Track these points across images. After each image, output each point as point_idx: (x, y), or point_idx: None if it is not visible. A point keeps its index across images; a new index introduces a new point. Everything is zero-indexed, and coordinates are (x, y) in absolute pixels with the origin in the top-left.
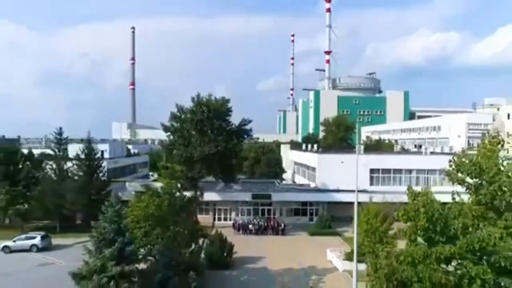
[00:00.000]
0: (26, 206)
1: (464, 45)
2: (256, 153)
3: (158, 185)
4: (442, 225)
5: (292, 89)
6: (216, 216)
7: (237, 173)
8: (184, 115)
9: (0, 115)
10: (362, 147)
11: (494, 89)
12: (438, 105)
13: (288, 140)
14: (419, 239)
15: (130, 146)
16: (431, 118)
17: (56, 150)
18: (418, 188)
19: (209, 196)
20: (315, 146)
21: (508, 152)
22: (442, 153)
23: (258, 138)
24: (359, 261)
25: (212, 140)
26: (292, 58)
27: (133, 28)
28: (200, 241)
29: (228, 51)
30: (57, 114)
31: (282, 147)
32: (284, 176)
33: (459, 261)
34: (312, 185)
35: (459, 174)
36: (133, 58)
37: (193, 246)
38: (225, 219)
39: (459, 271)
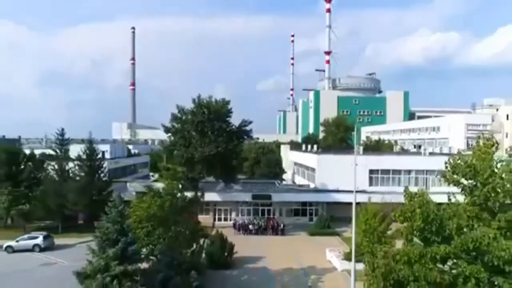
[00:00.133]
0: (28, 206)
1: (464, 45)
2: (256, 154)
3: (159, 185)
4: (437, 226)
5: (292, 89)
6: (217, 216)
7: (237, 174)
8: (185, 116)
9: (0, 115)
10: (361, 147)
11: (494, 89)
12: (438, 105)
13: (288, 140)
14: (415, 239)
15: (130, 146)
16: (431, 118)
17: (58, 151)
18: (421, 188)
19: (209, 196)
20: (315, 146)
21: (508, 151)
22: (441, 154)
23: (258, 138)
24: (357, 260)
25: (212, 141)
26: (292, 58)
27: (133, 28)
28: (201, 241)
29: (228, 51)
30: (57, 114)
31: (282, 147)
32: (284, 176)
33: (454, 261)
34: (312, 185)
35: (455, 176)
36: (133, 58)
37: (194, 246)
38: (226, 219)
39: (454, 271)
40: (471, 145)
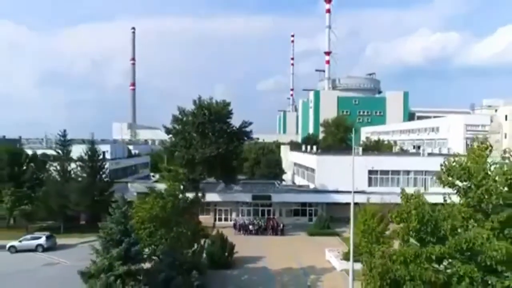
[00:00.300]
0: (31, 207)
1: (464, 45)
2: (256, 154)
3: (160, 186)
4: (432, 227)
5: (292, 89)
6: (217, 217)
7: (238, 174)
8: (186, 118)
9: (1, 115)
10: (360, 148)
11: (494, 89)
12: (438, 105)
13: (288, 140)
14: (412, 240)
15: (131, 147)
16: (430, 119)
17: (60, 152)
18: (417, 189)
19: (210, 197)
20: (315, 147)
21: (502, 154)
22: (440, 154)
23: (258, 139)
24: (356, 260)
25: (213, 142)
26: (292, 59)
27: (133, 28)
28: (202, 241)
29: (228, 51)
30: (57, 114)
31: (282, 148)
32: (284, 177)
33: (449, 261)
34: (312, 186)
35: (449, 178)
36: (133, 59)
37: (195, 246)
38: (226, 219)
39: (449, 270)
40: (470, 145)
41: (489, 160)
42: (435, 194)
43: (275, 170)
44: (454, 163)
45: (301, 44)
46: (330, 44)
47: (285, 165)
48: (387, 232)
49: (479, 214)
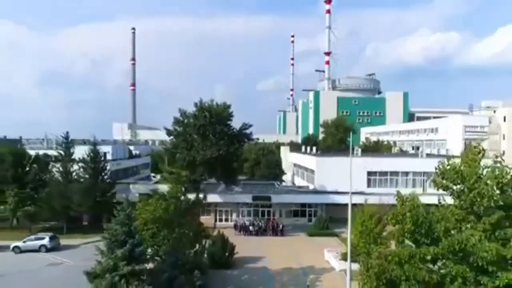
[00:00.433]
0: (34, 208)
1: (464, 45)
2: (257, 155)
3: (161, 187)
4: (426, 228)
5: (292, 90)
6: (218, 217)
7: (238, 176)
8: (187, 120)
9: (1, 115)
10: (359, 149)
11: (494, 89)
12: (438, 106)
13: (288, 140)
14: (407, 241)
15: (131, 147)
16: (429, 120)
17: (63, 153)
18: (412, 192)
19: (210, 197)
20: (314, 148)
21: (493, 158)
22: (438, 156)
23: (258, 139)
24: (354, 261)
25: (214, 144)
26: (292, 59)
27: (134, 29)
28: (203, 241)
29: (228, 51)
30: (57, 114)
31: (282, 149)
32: (283, 177)
33: (443, 261)
34: (311, 187)
35: (443, 181)
36: (133, 59)
37: (197, 247)
38: (226, 220)
39: (442, 270)
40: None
41: (486, 161)
42: (433, 195)
43: (275, 171)
44: (448, 167)
45: (301, 44)
46: (330, 45)
47: (285, 165)
48: (385, 233)
49: (472, 216)
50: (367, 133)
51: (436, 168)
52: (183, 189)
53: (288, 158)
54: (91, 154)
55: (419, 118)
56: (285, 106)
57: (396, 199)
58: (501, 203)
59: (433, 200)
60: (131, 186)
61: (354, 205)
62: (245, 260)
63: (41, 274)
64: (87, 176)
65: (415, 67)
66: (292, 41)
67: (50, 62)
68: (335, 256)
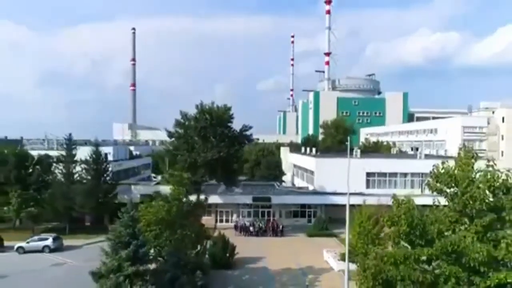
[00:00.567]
0: (37, 208)
1: (464, 45)
2: (257, 156)
3: (162, 188)
4: (421, 230)
5: (292, 90)
6: (218, 218)
7: (238, 177)
8: (188, 122)
9: (1, 116)
10: (358, 150)
11: (494, 89)
12: (438, 106)
13: (288, 141)
14: (402, 242)
15: (131, 148)
16: (428, 121)
17: (65, 155)
18: (408, 194)
19: (211, 198)
20: (314, 149)
21: (486, 162)
22: (437, 156)
23: (257, 139)
24: (352, 261)
25: (214, 146)
26: (292, 59)
27: (134, 29)
28: (204, 242)
29: (228, 51)
30: (57, 114)
31: (282, 149)
32: (283, 178)
33: (437, 262)
34: (311, 187)
35: (437, 184)
36: (133, 59)
37: (198, 248)
38: (227, 220)
39: (437, 271)
40: (467, 147)
41: (482, 162)
42: (431, 196)
43: (275, 172)
44: (442, 170)
45: (301, 44)
46: (330, 45)
47: (284, 166)
48: (382, 234)
49: (465, 218)
50: (366, 133)
51: (431, 172)
52: (185, 191)
53: (288, 159)
54: (94, 156)
55: (418, 119)
56: (285, 106)
57: (392, 202)
58: (493, 205)
59: (431, 201)
60: (132, 187)
61: (353, 206)
62: (245, 260)
63: (45, 274)
64: (89, 177)
65: (415, 67)
66: (292, 41)
67: (50, 62)
68: (334, 257)
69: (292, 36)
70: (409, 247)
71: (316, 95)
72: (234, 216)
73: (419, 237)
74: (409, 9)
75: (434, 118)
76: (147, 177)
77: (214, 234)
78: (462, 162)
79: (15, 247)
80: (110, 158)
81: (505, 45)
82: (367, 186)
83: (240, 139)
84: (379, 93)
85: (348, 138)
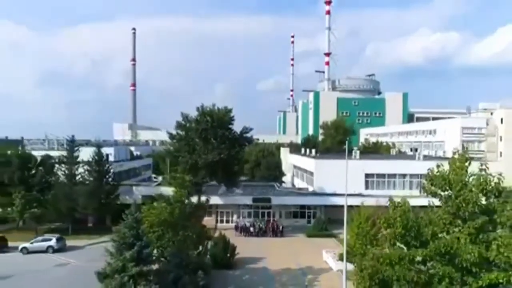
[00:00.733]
0: (40, 209)
1: (464, 45)
2: (257, 157)
3: (163, 189)
4: (415, 232)
5: (292, 90)
6: (219, 219)
7: (239, 178)
8: (189, 124)
9: (1, 116)
10: (358, 152)
11: (494, 89)
12: (438, 106)
13: (288, 141)
14: (399, 243)
15: (132, 148)
16: (427, 121)
17: (67, 156)
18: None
19: (212, 199)
20: (314, 150)
21: (479, 166)
22: (435, 157)
23: (258, 139)
24: (350, 261)
25: (215, 148)
26: (292, 59)
27: (134, 29)
28: (205, 242)
29: (228, 51)
30: (57, 114)
31: (282, 150)
32: (283, 179)
33: (431, 263)
34: (311, 188)
35: (432, 188)
36: (133, 59)
37: (200, 248)
38: (227, 221)
39: (431, 271)
40: (467, 148)
41: (476, 164)
42: (429, 197)
43: (275, 173)
44: (437, 173)
45: (301, 44)
46: (330, 45)
47: (284, 167)
48: (380, 235)
49: (458, 220)
50: (366, 134)
51: (426, 175)
52: (187, 193)
53: (288, 159)
54: (96, 157)
55: (418, 119)
56: (285, 107)
57: (389, 204)
58: (485, 208)
59: (433, 200)
60: (134, 188)
61: (351, 207)
62: (245, 260)
63: (49, 274)
64: (91, 178)
65: (415, 67)
66: (292, 42)
67: (50, 62)
68: (333, 257)
69: (292, 36)
70: (404, 248)
71: (316, 95)
72: (235, 216)
73: (414, 238)
74: (409, 9)
75: (434, 118)
76: (148, 178)
77: (215, 235)
78: (456, 166)
79: (19, 247)
80: (111, 158)
81: (505, 45)
82: (366, 187)
83: (240, 141)
84: (379, 93)
85: (347, 140)
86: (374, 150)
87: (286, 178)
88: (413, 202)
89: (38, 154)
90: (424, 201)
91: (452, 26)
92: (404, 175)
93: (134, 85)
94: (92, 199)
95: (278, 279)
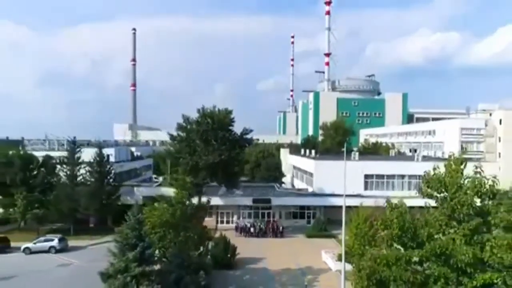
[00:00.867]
0: (42, 210)
1: (464, 45)
2: (257, 157)
3: (164, 190)
4: (412, 233)
5: (292, 90)
6: (219, 219)
7: (239, 179)
8: (190, 126)
9: (2, 116)
10: (357, 153)
11: (494, 89)
12: (437, 106)
13: (288, 141)
14: (396, 244)
15: (132, 148)
16: (426, 122)
17: (69, 157)
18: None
19: (212, 200)
20: (313, 151)
21: (474, 169)
22: (434, 158)
23: (258, 139)
24: (349, 262)
25: (216, 149)
26: (292, 59)
27: (134, 29)
28: (206, 243)
29: (228, 51)
30: (57, 114)
31: (282, 151)
32: (283, 179)
33: (427, 263)
34: (310, 189)
35: (428, 190)
36: (134, 59)
37: (201, 249)
38: (228, 222)
39: (427, 271)
40: (465, 149)
41: (472, 164)
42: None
43: (275, 173)
44: (433, 176)
45: (301, 44)
46: (330, 46)
47: (284, 168)
48: (377, 236)
49: (454, 222)
50: (366, 134)
51: (422, 178)
52: (188, 194)
53: (287, 160)
54: (97, 158)
55: (418, 119)
56: (285, 107)
57: (386, 206)
58: (479, 210)
59: (429, 202)
60: (135, 189)
61: (350, 207)
62: (246, 261)
63: (52, 274)
64: (93, 179)
65: (415, 67)
66: (292, 42)
67: (50, 62)
68: (332, 257)
69: (292, 37)
70: (401, 249)
71: (316, 96)
72: (235, 217)
73: (410, 239)
74: (409, 9)
75: (433, 119)
76: (148, 178)
77: (215, 235)
78: (451, 169)
79: (22, 248)
80: (112, 159)
81: (505, 45)
82: (365, 188)
83: (240, 143)
84: (379, 93)
85: (346, 141)
86: (373, 151)
87: (286, 179)
88: (412, 202)
89: (38, 154)
90: (422, 202)
91: (452, 26)
92: (403, 176)
93: (134, 85)
94: (93, 200)
95: (278, 279)
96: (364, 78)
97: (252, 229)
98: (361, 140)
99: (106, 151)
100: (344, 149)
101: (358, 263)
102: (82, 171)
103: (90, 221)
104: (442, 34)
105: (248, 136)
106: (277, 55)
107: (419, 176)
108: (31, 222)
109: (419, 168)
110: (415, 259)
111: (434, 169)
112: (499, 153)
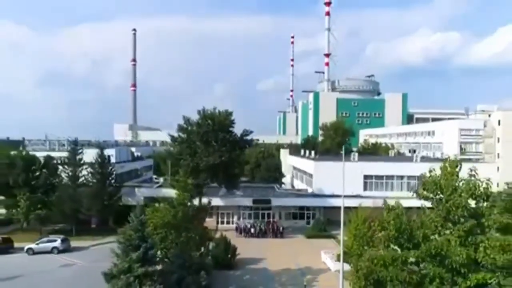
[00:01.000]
0: (44, 211)
1: (464, 45)
2: (257, 158)
3: (165, 190)
4: (408, 234)
5: (292, 91)
6: (219, 220)
7: (239, 180)
8: (191, 127)
9: (2, 116)
10: (356, 154)
11: (494, 89)
12: (437, 106)
13: (288, 141)
14: (392, 245)
15: (133, 149)
16: (426, 123)
17: (70, 158)
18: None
19: (212, 201)
20: (313, 152)
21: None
22: (433, 159)
23: (258, 140)
24: (348, 262)
25: (216, 151)
26: (292, 60)
27: (134, 29)
28: (207, 243)
29: (228, 51)
30: (58, 115)
31: (282, 152)
32: (283, 180)
33: (423, 264)
34: (310, 190)
35: (424, 192)
36: (134, 60)
37: (202, 249)
38: (228, 222)
39: (423, 271)
40: (464, 149)
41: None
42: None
43: (275, 174)
44: (430, 178)
45: (301, 44)
46: (330, 46)
47: (284, 168)
48: (375, 237)
49: (449, 223)
50: (366, 135)
51: (419, 181)
52: (189, 196)
53: (287, 161)
54: (99, 159)
55: (418, 120)
56: (285, 107)
57: (384, 208)
58: (473, 212)
59: (426, 203)
60: (136, 189)
61: (349, 208)
62: (246, 261)
63: (55, 274)
64: (95, 180)
65: (415, 67)
66: (292, 42)
67: (50, 62)
68: (331, 257)
69: (292, 37)
70: (398, 249)
71: (316, 96)
72: (235, 218)
73: (407, 240)
74: (409, 9)
75: (433, 119)
76: (149, 179)
77: (216, 236)
78: (446, 172)
79: (25, 248)
80: (112, 160)
81: (505, 45)
82: (365, 189)
83: (241, 144)
84: (379, 94)
85: (345, 142)
86: (373, 151)
87: (286, 180)
88: (411, 203)
89: (39, 155)
90: (420, 203)
91: (452, 26)
92: (401, 177)
93: (134, 85)
94: (95, 201)
95: (277, 279)
96: (363, 78)
97: (252, 230)
98: (361, 140)
99: (107, 151)
100: (343, 150)
101: (356, 263)
102: (84, 172)
103: (92, 221)
104: (442, 34)
105: (248, 138)
106: (277, 55)
107: (418, 176)
108: (34, 222)
109: (417, 169)
110: (411, 259)
111: (430, 171)
112: (498, 154)
